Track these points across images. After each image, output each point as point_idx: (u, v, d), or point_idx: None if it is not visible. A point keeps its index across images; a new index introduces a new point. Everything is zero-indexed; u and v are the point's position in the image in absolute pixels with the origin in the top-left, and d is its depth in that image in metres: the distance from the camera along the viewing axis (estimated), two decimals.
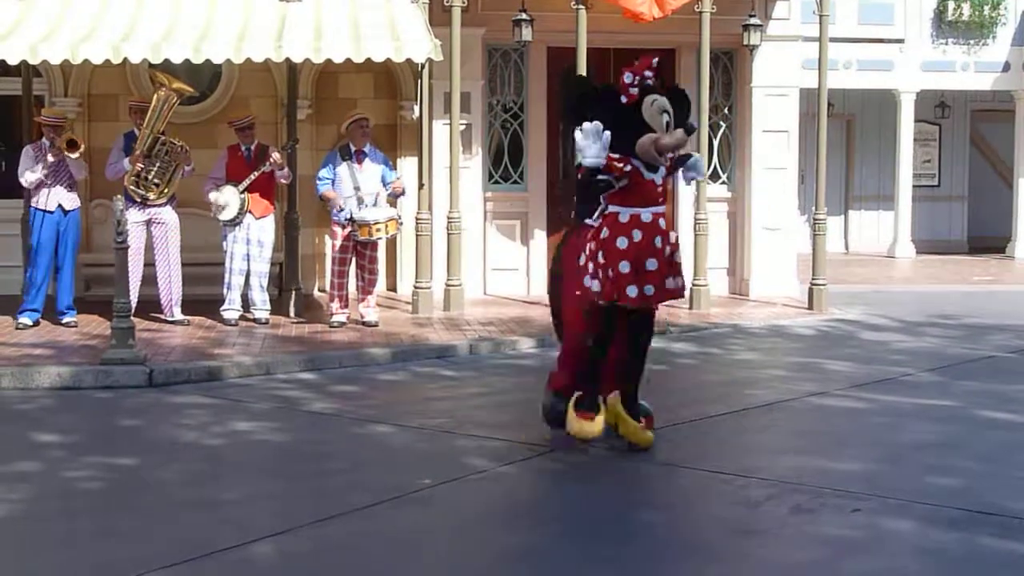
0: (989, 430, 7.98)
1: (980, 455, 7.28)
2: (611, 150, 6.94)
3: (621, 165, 6.98)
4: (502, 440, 7.60)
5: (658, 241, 7.07)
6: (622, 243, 7.02)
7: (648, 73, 7.23)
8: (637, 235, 7.03)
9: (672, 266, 7.16)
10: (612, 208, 7.11)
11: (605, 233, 7.08)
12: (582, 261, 7.17)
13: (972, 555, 5.49)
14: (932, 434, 7.86)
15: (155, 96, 11.58)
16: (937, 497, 6.33)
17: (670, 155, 7.23)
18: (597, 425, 7.20)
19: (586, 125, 6.83)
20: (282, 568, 5.38)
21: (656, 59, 7.32)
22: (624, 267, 6.97)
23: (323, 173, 11.71)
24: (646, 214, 7.08)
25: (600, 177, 6.98)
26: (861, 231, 22.59)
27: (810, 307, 13.28)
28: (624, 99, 7.17)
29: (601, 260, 7.05)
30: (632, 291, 6.98)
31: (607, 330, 7.18)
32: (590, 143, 6.83)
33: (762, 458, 7.44)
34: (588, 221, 7.24)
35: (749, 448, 7.68)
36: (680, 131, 7.19)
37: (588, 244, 7.15)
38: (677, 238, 7.28)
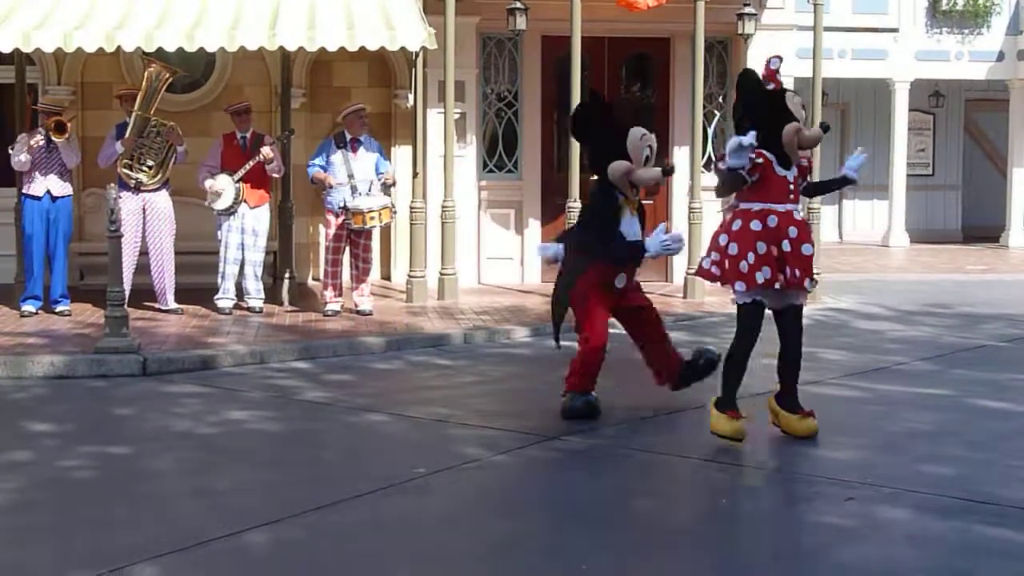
0: (983, 418, 7.99)
1: (974, 443, 7.29)
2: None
3: (754, 156, 7.00)
4: (496, 429, 7.60)
5: (786, 245, 7.05)
6: (750, 233, 7.04)
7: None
8: (761, 226, 7.04)
9: (792, 260, 7.07)
10: (744, 205, 7.15)
11: (737, 224, 7.11)
12: (716, 248, 7.23)
13: (966, 543, 5.49)
14: (926, 423, 7.87)
15: (146, 73, 11.56)
16: (931, 485, 6.33)
17: (805, 154, 7.43)
18: (742, 422, 7.17)
19: (744, 140, 6.91)
20: (276, 556, 5.37)
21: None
22: (751, 257, 7.01)
23: (316, 160, 11.71)
24: (774, 215, 7.08)
25: (732, 166, 7.00)
26: (855, 220, 22.62)
27: None
28: (772, 86, 7.29)
29: (731, 251, 7.09)
30: (740, 286, 7.05)
31: (753, 328, 7.21)
32: (738, 157, 6.94)
33: (756, 447, 7.43)
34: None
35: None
36: (818, 128, 7.46)
37: (719, 235, 7.23)
38: (800, 235, 7.15)
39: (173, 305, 11.76)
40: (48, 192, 11.39)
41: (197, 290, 12.28)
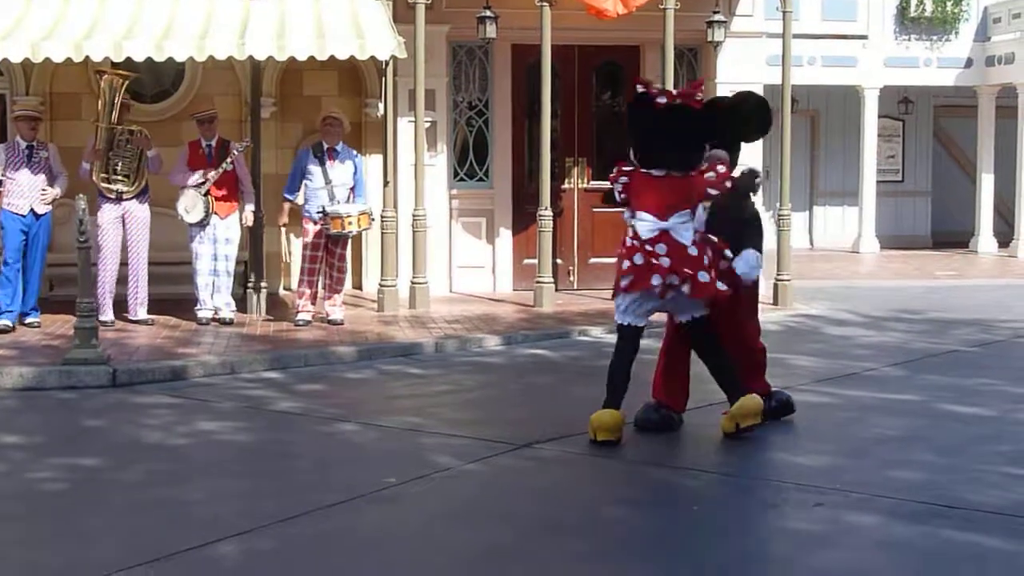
0: (952, 424, 8.04)
1: (942, 449, 7.34)
2: None
3: None
4: (468, 438, 7.60)
5: None
6: None
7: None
8: None
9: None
10: None
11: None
12: None
13: (935, 548, 5.53)
14: (895, 428, 7.92)
15: (101, 86, 11.49)
16: (900, 491, 6.37)
17: None
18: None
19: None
20: (247, 567, 5.36)
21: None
22: None
23: (293, 179, 11.76)
24: None
25: None
26: (826, 227, 22.70)
27: (775, 303, 13.34)
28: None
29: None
30: None
31: None
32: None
33: (725, 453, 7.46)
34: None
35: (713, 444, 7.69)
36: None
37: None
38: None
39: (143, 316, 11.70)
40: (32, 210, 11.29)
41: (167, 301, 12.23)
